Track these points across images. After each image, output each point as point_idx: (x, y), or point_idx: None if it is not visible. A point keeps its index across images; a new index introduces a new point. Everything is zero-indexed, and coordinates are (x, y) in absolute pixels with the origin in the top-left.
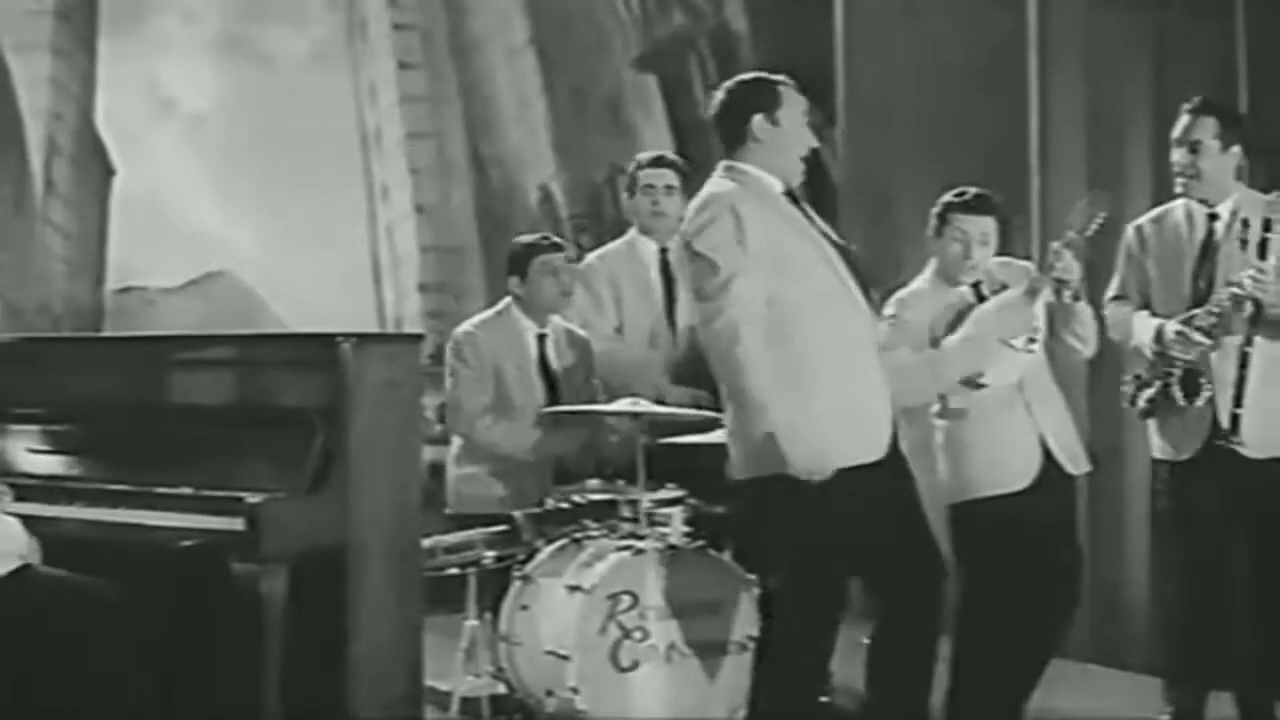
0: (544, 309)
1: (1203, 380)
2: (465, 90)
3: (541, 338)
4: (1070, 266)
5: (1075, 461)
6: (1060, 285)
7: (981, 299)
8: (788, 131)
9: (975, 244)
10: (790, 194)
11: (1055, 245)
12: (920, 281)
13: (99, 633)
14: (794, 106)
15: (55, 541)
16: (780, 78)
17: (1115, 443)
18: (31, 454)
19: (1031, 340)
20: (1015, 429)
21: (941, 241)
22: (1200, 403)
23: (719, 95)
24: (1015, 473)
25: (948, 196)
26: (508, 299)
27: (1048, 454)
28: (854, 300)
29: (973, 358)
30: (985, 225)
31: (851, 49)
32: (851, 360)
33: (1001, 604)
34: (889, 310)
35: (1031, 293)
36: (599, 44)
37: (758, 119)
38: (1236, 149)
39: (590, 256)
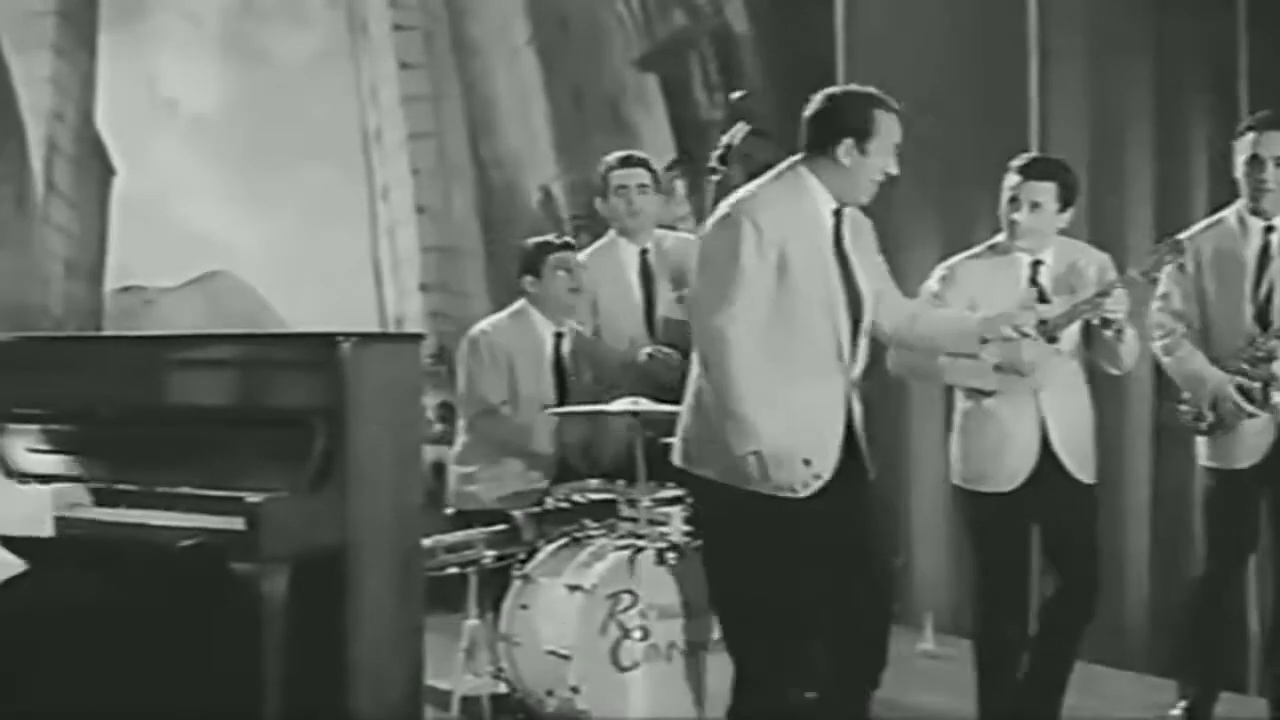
0: (558, 306)
1: (1271, 389)
2: (466, 90)
3: (559, 336)
4: (1120, 305)
5: (1082, 467)
6: (1106, 323)
7: (1037, 283)
8: (871, 161)
9: (1025, 207)
10: (837, 212)
11: (1114, 280)
12: (972, 253)
13: (99, 632)
14: (887, 137)
15: (56, 541)
16: (887, 100)
17: (1115, 444)
18: (32, 454)
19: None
20: (1019, 422)
21: (1002, 208)
22: (1269, 411)
23: (818, 100)
24: (1007, 473)
25: (1018, 161)
26: (522, 300)
27: (1052, 454)
28: (840, 330)
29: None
30: (1037, 190)
31: (852, 49)
32: (823, 384)
33: (1005, 602)
34: (931, 282)
35: (1071, 316)
36: (600, 44)
37: (847, 143)
38: None
39: (579, 257)
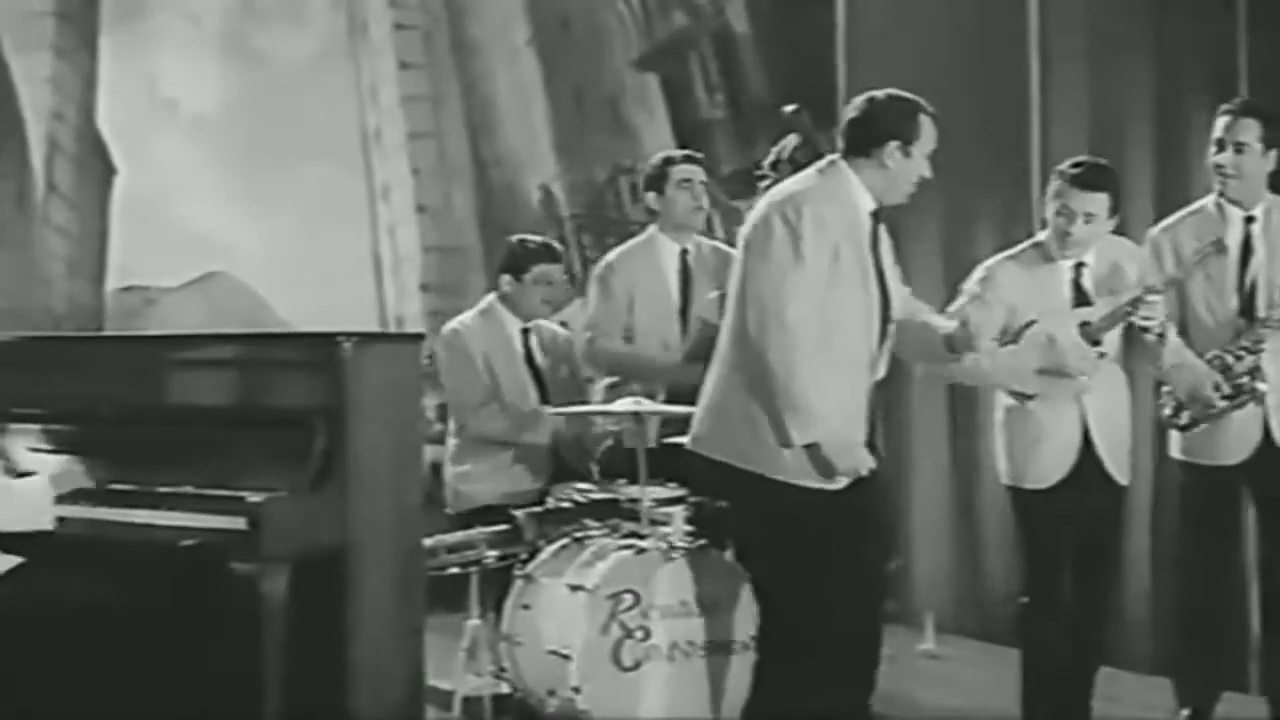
0: (529, 314)
1: (1254, 380)
2: (466, 90)
3: (525, 332)
4: (1159, 309)
5: (1120, 469)
6: (1145, 330)
7: (1079, 286)
8: (912, 164)
9: (1079, 220)
10: (875, 214)
11: (1153, 284)
12: (1012, 254)
13: (98, 632)
14: (927, 142)
15: (57, 540)
16: (925, 106)
17: None
18: (33, 453)
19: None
20: (1060, 422)
21: (1049, 214)
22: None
23: (862, 102)
24: (1046, 469)
25: (1063, 166)
26: (492, 296)
27: (1093, 454)
28: (872, 331)
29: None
30: (1092, 201)
31: (853, 49)
32: (855, 383)
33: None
34: (971, 284)
35: (1113, 320)
36: (600, 44)
37: (892, 145)
38: (1275, 153)
39: (610, 256)
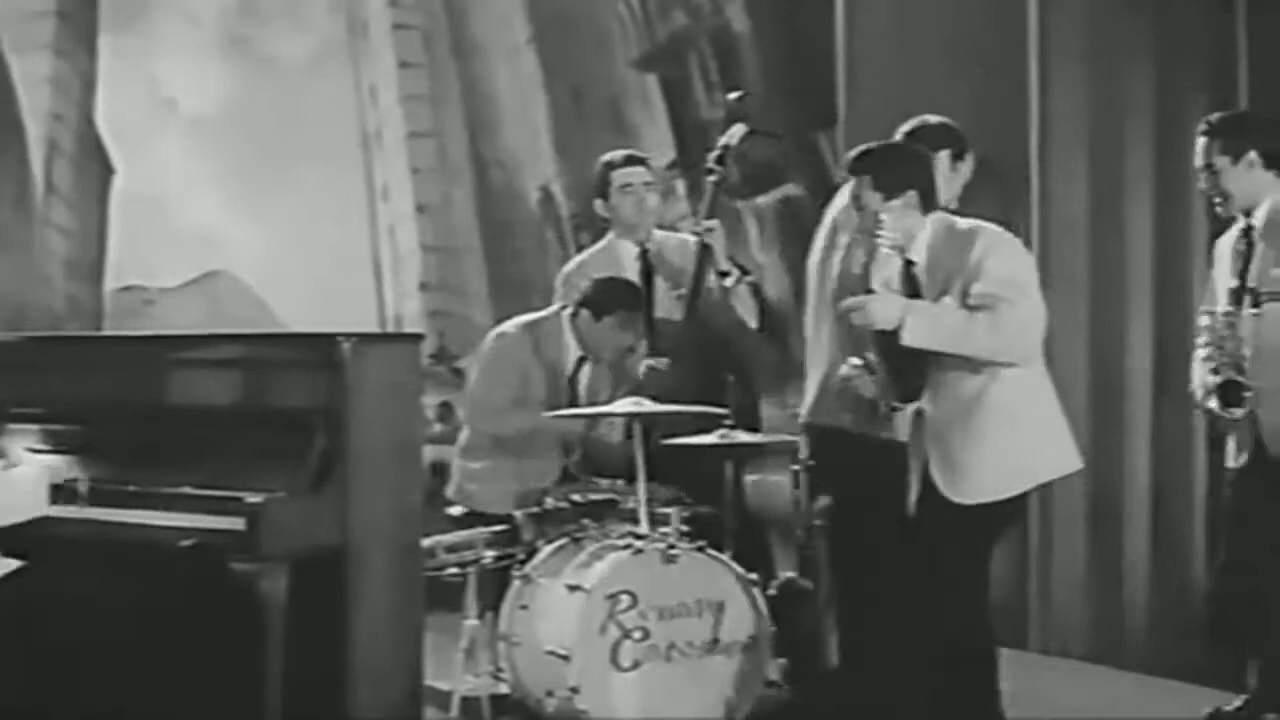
0: (595, 354)
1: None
2: (466, 90)
3: (581, 359)
4: None
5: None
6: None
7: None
8: (957, 176)
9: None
10: None
11: None
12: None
13: (98, 632)
14: (969, 164)
15: (55, 540)
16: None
17: (1115, 444)
18: (32, 453)
19: None
20: None
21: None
22: (1240, 414)
23: (915, 120)
24: None
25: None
26: (561, 310)
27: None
28: None
29: None
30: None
31: (852, 49)
32: None
33: None
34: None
35: None
36: (600, 44)
37: (944, 154)
38: (1251, 154)
39: (569, 266)
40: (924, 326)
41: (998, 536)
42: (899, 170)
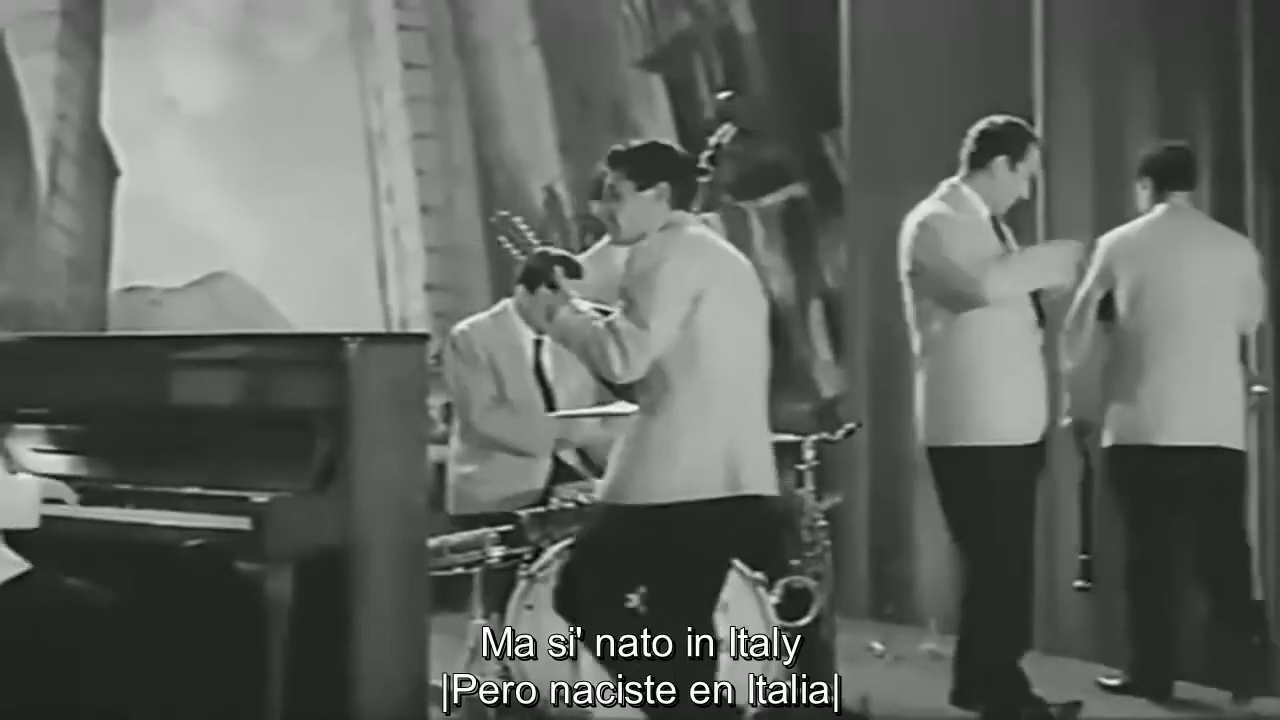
0: (541, 327)
1: None
2: (470, 91)
3: (538, 343)
4: None
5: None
6: None
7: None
8: (1019, 177)
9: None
10: (994, 218)
11: None
12: None
13: (102, 632)
14: (1032, 162)
15: (60, 541)
16: (1035, 134)
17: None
18: (36, 454)
19: None
20: None
21: None
22: None
23: (983, 123)
24: None
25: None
26: (507, 302)
27: None
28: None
29: None
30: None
31: (857, 50)
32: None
33: None
34: None
35: None
36: (604, 44)
37: (1001, 159)
38: (1148, 179)
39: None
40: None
41: None
42: (652, 164)
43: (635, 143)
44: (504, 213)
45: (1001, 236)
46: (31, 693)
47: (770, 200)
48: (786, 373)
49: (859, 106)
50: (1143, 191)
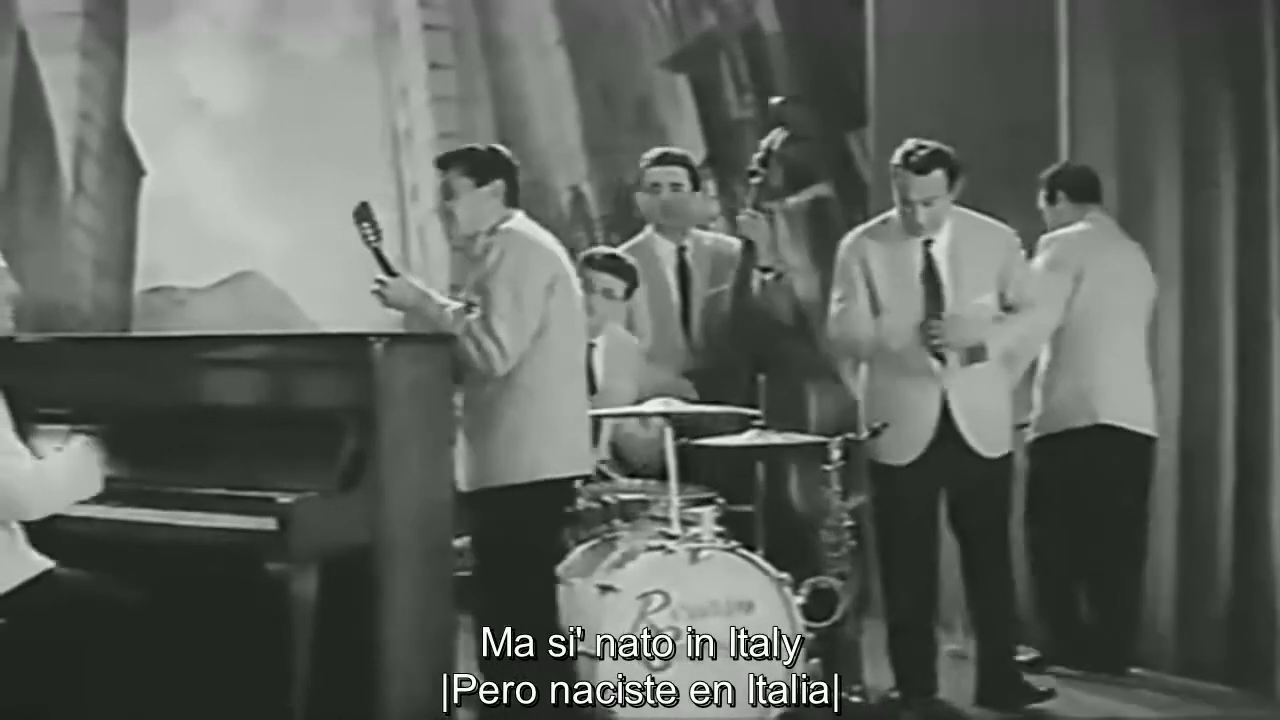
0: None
1: None
2: (496, 90)
3: (591, 346)
4: None
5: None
6: None
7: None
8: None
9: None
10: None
11: None
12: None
13: (128, 632)
14: None
15: (85, 541)
16: None
17: None
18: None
19: None
20: None
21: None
22: None
23: None
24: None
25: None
26: None
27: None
28: None
29: None
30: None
31: (883, 49)
32: None
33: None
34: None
35: None
36: (630, 44)
37: None
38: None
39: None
40: None
41: None
42: (487, 163)
43: (465, 145)
44: (364, 200)
45: None
46: (56, 691)
47: (796, 200)
48: (812, 373)
49: (884, 106)
50: (1057, 205)
